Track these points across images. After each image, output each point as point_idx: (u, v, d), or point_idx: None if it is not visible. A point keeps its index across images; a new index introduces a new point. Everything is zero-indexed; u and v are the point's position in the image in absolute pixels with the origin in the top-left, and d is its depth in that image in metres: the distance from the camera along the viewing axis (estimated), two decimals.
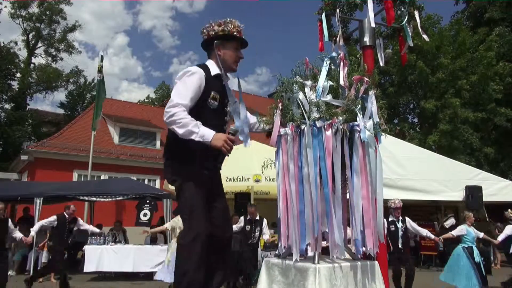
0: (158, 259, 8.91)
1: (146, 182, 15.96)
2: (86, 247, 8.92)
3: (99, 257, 8.68)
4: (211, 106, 2.47)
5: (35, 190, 9.37)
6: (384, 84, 19.93)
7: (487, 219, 10.22)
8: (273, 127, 2.47)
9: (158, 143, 19.16)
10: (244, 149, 9.62)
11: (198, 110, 2.39)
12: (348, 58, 2.46)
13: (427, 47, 17.54)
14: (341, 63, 2.36)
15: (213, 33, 2.56)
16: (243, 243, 7.34)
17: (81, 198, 9.63)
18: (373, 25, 4.60)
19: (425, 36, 5.23)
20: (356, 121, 2.25)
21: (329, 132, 2.18)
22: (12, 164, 19.16)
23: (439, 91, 18.18)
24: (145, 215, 9.06)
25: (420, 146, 12.99)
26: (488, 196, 9.47)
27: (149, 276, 9.02)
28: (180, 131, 2.26)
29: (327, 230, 2.22)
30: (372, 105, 2.34)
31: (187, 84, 2.39)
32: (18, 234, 6.54)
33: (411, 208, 10.35)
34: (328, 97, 2.27)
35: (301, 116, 2.26)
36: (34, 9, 25.89)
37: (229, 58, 2.58)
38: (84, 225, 7.55)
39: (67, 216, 6.98)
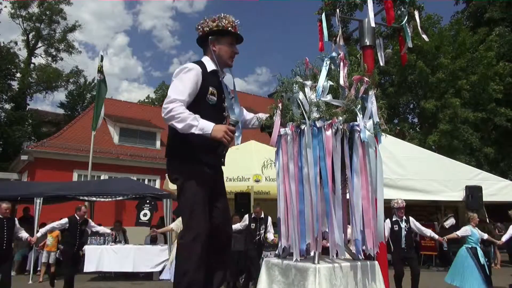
0: (158, 259, 8.92)
1: (146, 182, 15.96)
2: (86, 247, 8.92)
3: (99, 257, 8.69)
4: (210, 101, 2.47)
5: (35, 190, 9.38)
6: (384, 84, 19.94)
7: (487, 219, 10.22)
8: (265, 121, 2.46)
9: (158, 143, 19.15)
10: (244, 149, 9.67)
11: (197, 106, 2.38)
12: (348, 58, 2.46)
13: (427, 47, 17.55)
14: (341, 63, 2.35)
15: (207, 29, 2.56)
16: (248, 242, 7.34)
17: (81, 198, 9.63)
18: (373, 25, 4.60)
19: (424, 36, 5.23)
20: (356, 121, 2.25)
21: (329, 132, 2.18)
22: (12, 164, 19.16)
23: (439, 91, 18.19)
24: (145, 215, 9.06)
25: (420, 146, 13.01)
26: (488, 196, 9.48)
27: (149, 276, 9.04)
28: (179, 125, 2.25)
29: (327, 230, 2.22)
30: (372, 105, 2.34)
31: (184, 81, 2.38)
32: (24, 234, 6.54)
33: (411, 208, 10.34)
34: (328, 97, 2.27)
35: (301, 116, 2.26)
36: (34, 9, 25.90)
37: (224, 54, 2.56)
38: (96, 226, 7.53)
39: (78, 217, 6.93)
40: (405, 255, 6.45)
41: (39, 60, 27.37)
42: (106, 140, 17.97)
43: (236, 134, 2.42)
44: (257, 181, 8.78)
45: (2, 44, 23.92)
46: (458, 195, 9.45)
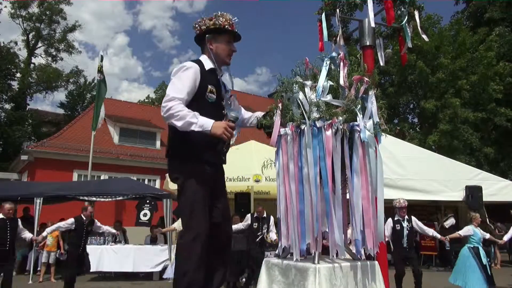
0: (158, 259, 8.92)
1: (146, 182, 15.95)
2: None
3: (99, 257, 8.68)
4: (209, 99, 2.47)
5: (35, 190, 9.37)
6: (384, 84, 19.94)
7: (487, 220, 10.22)
8: (265, 121, 2.46)
9: (158, 143, 19.15)
10: (244, 149, 9.67)
11: (197, 104, 2.38)
12: (348, 58, 2.46)
13: (427, 47, 17.55)
14: (341, 63, 2.35)
15: (204, 27, 2.56)
16: (250, 241, 7.34)
17: (81, 198, 9.63)
18: (373, 25, 4.60)
19: (424, 36, 5.23)
20: (356, 121, 2.25)
21: (329, 132, 2.18)
22: (12, 164, 19.15)
23: (439, 91, 18.18)
24: (145, 215, 9.06)
25: (420, 146, 13.01)
26: (488, 196, 9.48)
27: (149, 276, 9.04)
28: (178, 123, 2.25)
29: (327, 230, 2.22)
30: (372, 105, 2.34)
31: (182, 79, 2.39)
32: (27, 234, 6.54)
33: (411, 208, 10.32)
34: (328, 97, 2.27)
35: (301, 116, 2.26)
36: (34, 9, 25.90)
37: (222, 52, 2.56)
38: (102, 226, 7.53)
39: (84, 218, 6.93)
40: (406, 254, 6.46)
41: (39, 60, 27.39)
42: (106, 140, 17.97)
43: (234, 132, 2.43)
44: (257, 181, 8.78)
45: (2, 44, 23.93)
46: (458, 195, 9.45)
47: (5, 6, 24.53)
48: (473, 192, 9.25)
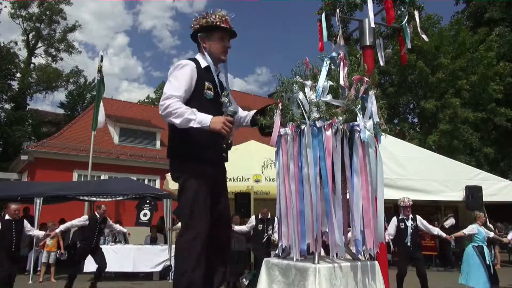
0: (158, 259, 8.92)
1: (146, 182, 15.95)
2: None
3: None
4: (207, 96, 2.47)
5: (35, 190, 9.37)
6: (384, 84, 19.94)
7: (487, 220, 10.23)
8: (265, 121, 2.45)
9: (158, 143, 19.15)
10: (244, 149, 9.67)
11: (195, 102, 2.38)
12: (348, 58, 2.46)
13: (427, 47, 17.54)
14: (341, 63, 2.35)
15: (198, 26, 2.56)
16: (255, 243, 7.31)
17: (81, 198, 9.63)
18: (373, 25, 4.60)
19: (424, 36, 5.22)
20: (356, 121, 2.25)
21: (329, 132, 2.18)
22: (12, 164, 19.16)
23: (439, 91, 18.18)
24: (145, 215, 9.06)
25: (420, 146, 13.01)
26: (488, 196, 9.48)
27: (149, 276, 9.04)
28: (177, 121, 2.25)
29: (327, 230, 2.22)
30: (372, 105, 2.34)
31: (178, 77, 2.39)
32: (37, 232, 6.56)
33: (412, 208, 10.35)
34: (328, 97, 2.26)
35: (301, 116, 2.26)
36: (34, 9, 25.90)
37: (216, 49, 2.55)
38: (113, 225, 7.58)
39: (98, 216, 6.96)
40: (411, 254, 6.47)
41: (39, 60, 27.40)
42: (106, 140, 17.97)
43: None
44: (257, 181, 8.78)
45: (2, 44, 23.92)
46: (458, 195, 9.45)
47: (5, 6, 24.55)
48: (473, 192, 9.25)
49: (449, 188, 9.48)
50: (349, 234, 2.50)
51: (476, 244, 6.47)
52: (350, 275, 2.18)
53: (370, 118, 2.31)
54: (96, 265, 6.98)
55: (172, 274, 7.46)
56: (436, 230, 6.89)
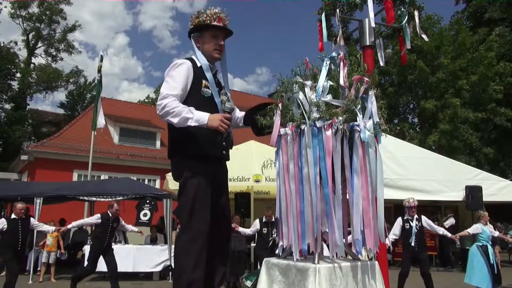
0: (158, 259, 8.91)
1: (146, 182, 15.96)
2: (86, 247, 8.90)
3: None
4: (205, 94, 2.46)
5: (35, 190, 9.37)
6: (384, 84, 19.93)
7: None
8: (265, 121, 2.45)
9: (158, 143, 19.16)
10: (244, 149, 9.67)
11: (193, 100, 2.38)
12: (348, 58, 2.46)
13: (427, 47, 17.53)
14: (341, 63, 2.35)
15: (192, 26, 2.57)
16: (259, 247, 7.24)
17: (81, 198, 9.62)
18: (373, 25, 4.60)
19: (424, 36, 5.22)
20: (356, 121, 2.25)
21: (329, 132, 2.18)
22: (12, 164, 19.17)
23: (439, 91, 18.18)
24: (145, 215, 9.05)
25: (420, 146, 13.00)
26: (488, 196, 9.48)
27: (149, 276, 9.03)
28: (174, 120, 2.25)
29: (327, 230, 2.22)
30: (372, 105, 2.34)
31: (174, 76, 2.39)
32: (47, 227, 6.59)
33: None
34: (328, 97, 2.26)
35: (301, 116, 2.26)
36: (34, 9, 25.93)
37: (208, 48, 2.55)
38: (126, 225, 7.59)
39: (110, 215, 6.97)
40: (416, 254, 6.49)
41: (39, 60, 27.43)
42: (106, 140, 17.98)
43: None
44: (257, 181, 8.78)
45: (2, 44, 23.95)
46: (458, 195, 9.45)
47: (5, 6, 24.58)
48: (473, 192, 9.25)
49: (449, 188, 9.48)
50: (349, 239, 2.50)
51: (481, 244, 6.48)
52: (350, 275, 2.18)
53: (370, 118, 2.31)
54: (107, 266, 6.95)
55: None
56: (441, 230, 6.95)
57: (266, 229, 7.13)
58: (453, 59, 17.84)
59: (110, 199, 9.56)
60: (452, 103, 17.02)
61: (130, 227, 7.84)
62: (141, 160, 17.27)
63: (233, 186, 8.96)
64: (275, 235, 7.19)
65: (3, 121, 23.69)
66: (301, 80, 2.36)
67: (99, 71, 12.80)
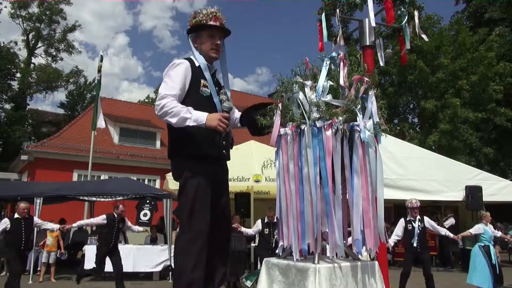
0: (158, 259, 8.91)
1: (146, 182, 15.96)
2: (86, 247, 8.91)
3: None
4: (204, 94, 2.46)
5: (35, 190, 9.37)
6: (384, 84, 19.92)
7: None
8: (265, 121, 2.45)
9: (158, 143, 19.16)
10: (244, 149, 9.66)
11: (192, 99, 2.38)
12: (348, 58, 2.46)
13: (427, 47, 17.53)
14: (341, 63, 2.35)
15: (189, 27, 2.57)
16: (261, 248, 7.24)
17: (81, 198, 9.63)
18: (373, 24, 4.60)
19: (424, 36, 5.23)
20: (356, 121, 2.25)
21: (329, 132, 2.18)
22: (12, 164, 19.17)
23: (439, 91, 18.16)
24: (145, 215, 9.05)
25: (420, 146, 13.00)
26: (488, 196, 9.48)
27: (149, 276, 9.03)
28: (173, 120, 2.25)
29: (327, 230, 2.22)
30: (372, 105, 2.34)
31: (172, 76, 2.39)
32: (51, 225, 6.59)
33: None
34: (328, 97, 2.26)
35: (301, 116, 2.26)
36: (34, 9, 25.94)
37: (205, 47, 2.55)
38: (132, 226, 7.60)
39: (116, 215, 6.98)
40: (418, 255, 6.50)
41: (39, 60, 27.44)
42: (106, 140, 17.98)
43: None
44: (257, 181, 8.77)
45: (2, 44, 23.95)
46: (458, 195, 9.45)
47: (5, 6, 24.58)
48: (473, 192, 9.25)
49: (449, 188, 9.48)
50: (349, 241, 2.49)
51: (483, 244, 6.48)
52: (350, 275, 2.18)
53: (370, 118, 2.31)
54: (113, 267, 6.93)
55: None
56: (443, 231, 6.96)
57: (268, 229, 7.13)
58: (453, 59, 17.83)
59: (110, 199, 9.57)
60: (452, 103, 17.01)
61: (136, 227, 7.83)
62: (141, 160, 17.27)
63: (233, 186, 8.95)
64: (277, 236, 7.18)
65: (3, 121, 23.69)
66: (301, 80, 2.36)
67: (99, 71, 12.81)
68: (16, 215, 6.25)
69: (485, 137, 18.74)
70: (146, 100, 38.49)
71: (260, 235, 7.29)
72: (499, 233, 6.83)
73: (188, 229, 2.33)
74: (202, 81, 2.47)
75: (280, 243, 2.38)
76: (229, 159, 2.61)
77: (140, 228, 8.09)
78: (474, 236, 6.76)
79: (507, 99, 18.22)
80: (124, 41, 65.60)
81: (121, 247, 9.08)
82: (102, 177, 15.47)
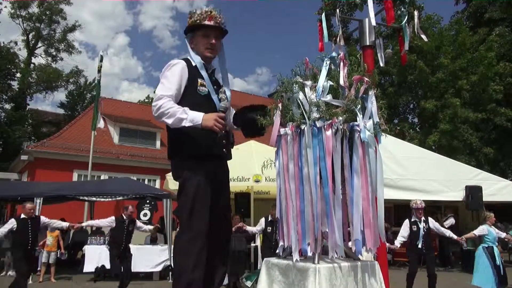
0: (158, 259, 8.92)
1: (146, 182, 15.96)
2: (86, 247, 8.92)
3: (99, 257, 8.67)
4: (201, 93, 2.46)
5: (35, 190, 9.38)
6: (384, 84, 19.91)
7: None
8: (265, 121, 2.45)
9: (158, 143, 19.16)
10: (244, 149, 9.65)
11: (190, 99, 2.38)
12: (348, 58, 2.46)
13: (427, 47, 17.52)
14: (341, 63, 2.35)
15: (186, 28, 2.58)
16: (265, 246, 7.25)
17: (81, 198, 9.63)
18: (374, 23, 4.60)
19: (424, 37, 5.22)
20: (356, 121, 2.25)
21: (329, 132, 2.18)
22: (12, 164, 19.17)
23: (439, 91, 18.16)
24: (145, 215, 9.06)
25: (420, 146, 12.99)
26: (488, 196, 9.48)
27: (149, 276, 9.03)
28: (169, 121, 2.26)
29: (327, 230, 2.22)
30: (372, 105, 2.34)
31: (168, 77, 2.39)
32: (59, 224, 6.59)
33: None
34: (328, 97, 2.26)
35: (301, 116, 2.26)
36: (34, 9, 25.94)
37: (200, 47, 2.55)
38: (143, 226, 7.55)
39: (125, 217, 6.92)
40: (422, 256, 6.52)
41: (39, 60, 27.44)
42: (106, 140, 17.98)
43: None
44: (257, 181, 8.77)
45: (2, 44, 23.95)
46: (458, 195, 9.45)
47: (5, 6, 24.58)
48: (473, 192, 9.25)
49: (449, 188, 9.47)
50: (350, 243, 2.49)
51: (487, 245, 6.47)
52: (350, 275, 2.18)
53: (370, 118, 2.31)
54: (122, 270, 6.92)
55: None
56: (448, 232, 6.93)
57: (270, 228, 7.15)
58: (453, 59, 17.82)
59: (110, 199, 9.58)
60: (452, 103, 17.01)
61: (147, 226, 7.73)
62: (141, 160, 17.27)
63: (233, 186, 8.92)
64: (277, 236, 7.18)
65: (3, 121, 23.69)
66: (301, 80, 2.36)
67: (99, 71, 12.82)
68: (22, 215, 6.26)
69: (485, 137, 18.73)
70: (146, 100, 38.47)
71: (263, 234, 7.31)
72: (503, 234, 6.81)
73: (188, 229, 2.33)
74: (199, 80, 2.47)
75: (280, 243, 2.38)
76: (229, 158, 2.61)
77: (150, 226, 8.03)
78: (478, 237, 6.75)
79: (507, 99, 18.21)
80: (124, 41, 65.66)
81: None
82: (102, 177, 15.47)
